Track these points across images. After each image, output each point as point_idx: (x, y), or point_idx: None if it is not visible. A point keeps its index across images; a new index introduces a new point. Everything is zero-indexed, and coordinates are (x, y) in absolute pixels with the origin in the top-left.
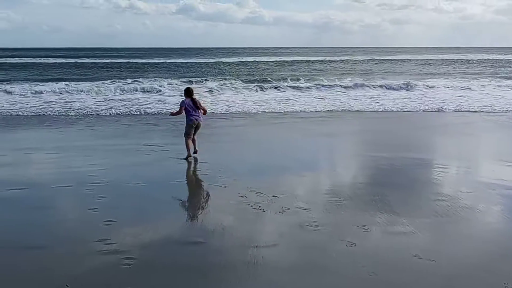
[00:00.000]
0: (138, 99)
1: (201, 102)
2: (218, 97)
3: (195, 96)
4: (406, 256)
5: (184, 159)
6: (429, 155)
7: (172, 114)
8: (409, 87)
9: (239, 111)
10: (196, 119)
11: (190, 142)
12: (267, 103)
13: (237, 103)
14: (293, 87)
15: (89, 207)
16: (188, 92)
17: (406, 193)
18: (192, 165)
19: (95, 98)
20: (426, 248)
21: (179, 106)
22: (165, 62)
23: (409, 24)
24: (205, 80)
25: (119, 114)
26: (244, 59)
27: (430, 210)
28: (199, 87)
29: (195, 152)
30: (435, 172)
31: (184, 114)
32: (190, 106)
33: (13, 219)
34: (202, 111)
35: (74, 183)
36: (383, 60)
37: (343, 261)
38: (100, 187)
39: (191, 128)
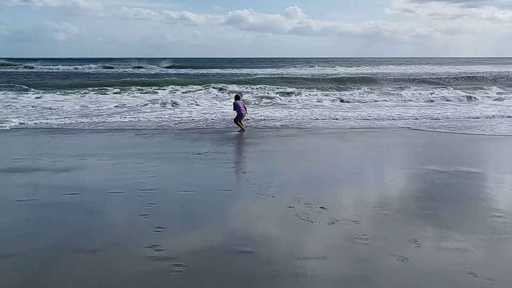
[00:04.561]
0: None
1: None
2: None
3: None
4: (461, 274)
5: (237, 132)
6: (482, 168)
7: (235, 119)
8: None
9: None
10: (242, 113)
11: (238, 123)
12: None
13: None
14: None
15: (139, 213)
16: (237, 97)
17: (459, 207)
18: (240, 174)
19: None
20: (483, 266)
21: (234, 107)
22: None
23: (461, 34)
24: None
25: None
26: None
27: (486, 226)
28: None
29: (243, 130)
30: (489, 187)
31: (235, 109)
32: (239, 105)
33: (67, 222)
34: (245, 109)
35: (126, 189)
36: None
37: (395, 277)
38: (150, 194)
39: (239, 117)
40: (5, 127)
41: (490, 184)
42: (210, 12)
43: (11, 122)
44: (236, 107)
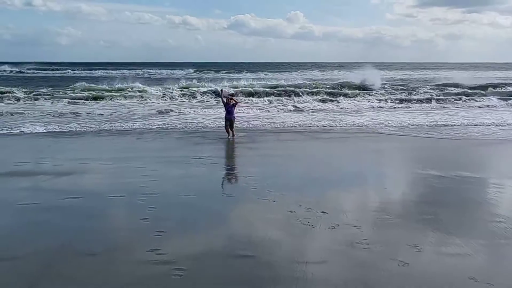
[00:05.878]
0: None
1: (236, 99)
2: None
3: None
4: (461, 278)
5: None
6: (482, 173)
7: (218, 94)
8: None
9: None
10: (229, 119)
11: (227, 129)
12: None
13: None
14: None
15: (140, 217)
16: (231, 95)
17: (460, 212)
18: (241, 179)
19: None
20: (483, 271)
21: (222, 100)
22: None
23: (463, 39)
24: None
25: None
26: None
27: (486, 231)
28: None
29: (232, 136)
30: (490, 192)
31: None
32: (228, 107)
33: (69, 226)
34: (233, 102)
35: (127, 193)
36: None
37: (395, 281)
38: (151, 198)
39: (227, 122)
40: (38, 130)
41: (490, 189)
42: (211, 17)
43: (42, 126)
44: (226, 111)
